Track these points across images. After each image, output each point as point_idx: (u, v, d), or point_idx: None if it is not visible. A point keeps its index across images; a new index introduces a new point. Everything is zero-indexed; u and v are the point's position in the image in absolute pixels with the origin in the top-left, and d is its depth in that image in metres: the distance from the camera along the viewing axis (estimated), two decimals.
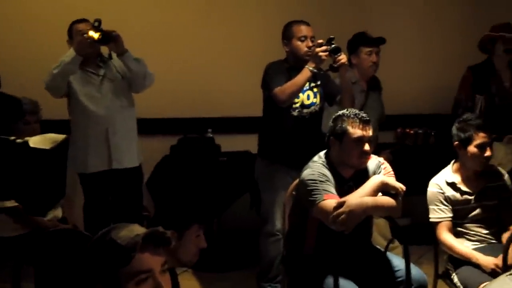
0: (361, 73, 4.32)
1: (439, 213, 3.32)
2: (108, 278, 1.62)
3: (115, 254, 1.62)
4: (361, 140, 2.97)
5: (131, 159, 4.09)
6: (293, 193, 3.24)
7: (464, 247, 3.25)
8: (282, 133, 3.87)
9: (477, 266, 3.13)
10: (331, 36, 3.68)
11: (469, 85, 4.61)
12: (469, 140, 3.28)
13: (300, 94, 3.80)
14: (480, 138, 3.27)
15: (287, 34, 3.89)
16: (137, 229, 1.69)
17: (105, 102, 3.97)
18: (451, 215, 3.31)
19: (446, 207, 3.32)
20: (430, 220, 3.35)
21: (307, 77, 3.69)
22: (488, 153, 3.29)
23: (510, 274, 2.17)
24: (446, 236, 3.28)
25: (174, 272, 2.44)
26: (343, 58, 3.71)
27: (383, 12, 5.27)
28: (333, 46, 3.67)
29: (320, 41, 3.68)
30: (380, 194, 2.98)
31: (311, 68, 3.67)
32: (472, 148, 3.28)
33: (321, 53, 3.63)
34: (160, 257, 1.68)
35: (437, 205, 3.33)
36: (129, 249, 1.61)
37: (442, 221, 3.31)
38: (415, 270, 3.02)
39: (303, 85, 3.72)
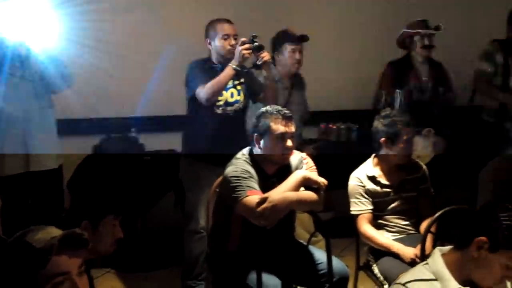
0: (284, 70, 4.36)
1: (359, 206, 3.39)
2: (25, 282, 1.59)
3: (30, 257, 1.59)
4: (284, 136, 3.01)
5: (50, 161, 3.99)
6: (217, 190, 3.25)
7: (384, 238, 3.34)
8: (206, 131, 3.87)
9: (396, 256, 3.22)
10: (254, 34, 3.71)
11: (389, 80, 4.73)
12: (397, 136, 3.37)
13: (224, 92, 3.81)
14: (407, 133, 3.38)
15: (210, 33, 3.89)
16: (54, 231, 1.66)
17: (22, 103, 3.86)
18: (371, 207, 3.40)
19: (367, 200, 3.40)
20: (351, 212, 3.42)
21: (230, 75, 3.71)
22: (413, 147, 3.42)
23: (426, 263, 2.24)
24: (366, 227, 3.36)
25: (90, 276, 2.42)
26: (266, 55, 3.75)
27: (305, 10, 5.32)
28: (256, 44, 3.70)
29: (243, 39, 3.70)
30: (302, 188, 3.03)
31: (234, 66, 3.69)
32: (400, 144, 3.38)
33: (244, 51, 3.66)
34: (77, 259, 1.66)
35: (357, 198, 3.40)
36: (45, 252, 1.58)
37: (362, 213, 3.39)
38: (336, 262, 3.09)
39: (227, 83, 3.74)
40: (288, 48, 4.28)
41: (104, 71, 4.84)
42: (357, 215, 3.40)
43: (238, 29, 3.89)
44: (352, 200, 3.43)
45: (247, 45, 3.67)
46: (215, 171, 3.60)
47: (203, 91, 3.70)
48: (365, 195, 3.40)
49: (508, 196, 3.59)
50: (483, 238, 2.08)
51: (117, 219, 2.49)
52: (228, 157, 3.18)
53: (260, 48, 3.71)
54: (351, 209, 3.43)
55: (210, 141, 3.85)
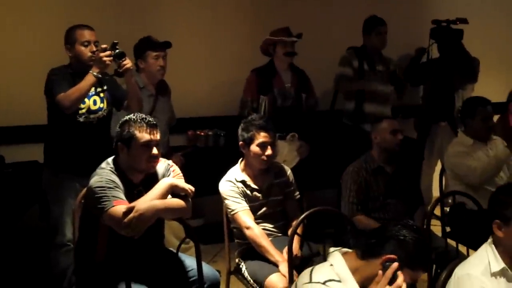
0: (148, 78, 4.33)
1: (237, 204, 3.40)
2: None
3: None
4: (149, 144, 2.97)
5: None
6: (82, 201, 3.15)
7: (269, 241, 3.35)
8: (69, 141, 3.76)
9: (264, 259, 3.28)
10: (115, 41, 3.65)
11: (253, 87, 4.80)
12: (251, 140, 3.45)
13: (86, 100, 3.72)
14: (261, 137, 3.45)
15: (70, 39, 3.79)
16: None
17: None
18: (247, 205, 3.43)
19: (243, 199, 3.43)
20: (232, 213, 3.40)
21: (91, 82, 3.63)
22: (268, 151, 3.46)
23: (331, 265, 2.27)
24: (251, 223, 3.36)
25: None
26: (127, 63, 3.70)
27: (169, 17, 5.30)
28: (117, 51, 3.64)
29: (104, 46, 3.64)
30: (170, 196, 3.00)
31: (95, 73, 3.61)
32: (254, 147, 3.45)
33: (105, 58, 3.60)
34: None
35: (233, 197, 3.42)
36: None
37: (243, 210, 3.39)
38: (207, 268, 3.10)
39: (88, 90, 3.65)
40: (151, 55, 4.27)
41: None
42: (237, 212, 3.38)
43: (100, 36, 3.80)
44: (228, 201, 3.43)
45: (108, 52, 3.61)
46: (80, 182, 3.52)
47: (63, 99, 3.58)
48: (240, 196, 3.43)
49: (368, 195, 3.78)
50: (392, 256, 2.15)
51: None
52: (93, 166, 3.08)
53: (121, 55, 3.65)
54: (229, 208, 3.41)
55: (72, 150, 3.75)
